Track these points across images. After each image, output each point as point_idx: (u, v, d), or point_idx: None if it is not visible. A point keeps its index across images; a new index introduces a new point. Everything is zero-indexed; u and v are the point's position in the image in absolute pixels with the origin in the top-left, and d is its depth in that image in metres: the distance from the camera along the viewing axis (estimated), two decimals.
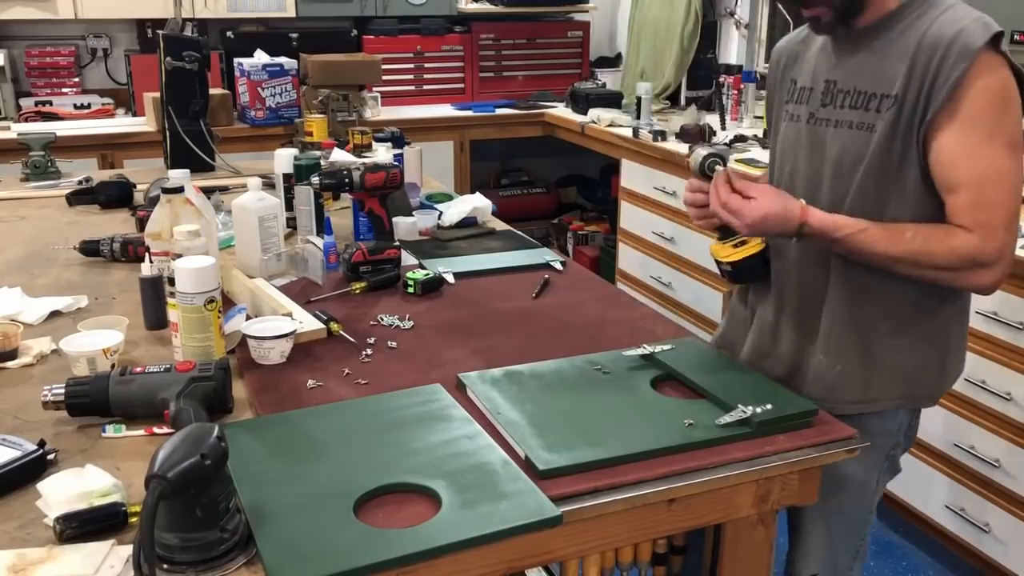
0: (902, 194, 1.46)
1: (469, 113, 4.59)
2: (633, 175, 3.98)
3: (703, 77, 4.52)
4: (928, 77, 1.40)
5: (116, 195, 2.61)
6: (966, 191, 1.40)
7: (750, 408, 1.33)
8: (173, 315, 1.51)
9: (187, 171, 1.87)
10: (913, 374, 1.56)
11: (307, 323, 1.67)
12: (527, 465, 1.23)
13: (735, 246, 1.63)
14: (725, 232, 1.63)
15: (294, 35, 4.48)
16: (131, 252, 2.08)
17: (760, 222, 1.44)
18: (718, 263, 1.66)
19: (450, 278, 1.99)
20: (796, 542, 1.64)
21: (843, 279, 1.54)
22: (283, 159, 2.33)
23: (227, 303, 1.73)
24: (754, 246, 1.62)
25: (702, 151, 1.58)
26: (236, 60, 4.14)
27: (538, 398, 1.42)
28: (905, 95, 1.42)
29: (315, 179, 1.91)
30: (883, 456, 1.63)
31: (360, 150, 2.58)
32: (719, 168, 1.53)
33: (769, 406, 1.33)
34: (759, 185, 1.47)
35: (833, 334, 1.56)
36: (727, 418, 1.33)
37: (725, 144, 3.57)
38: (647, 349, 1.55)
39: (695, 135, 3.61)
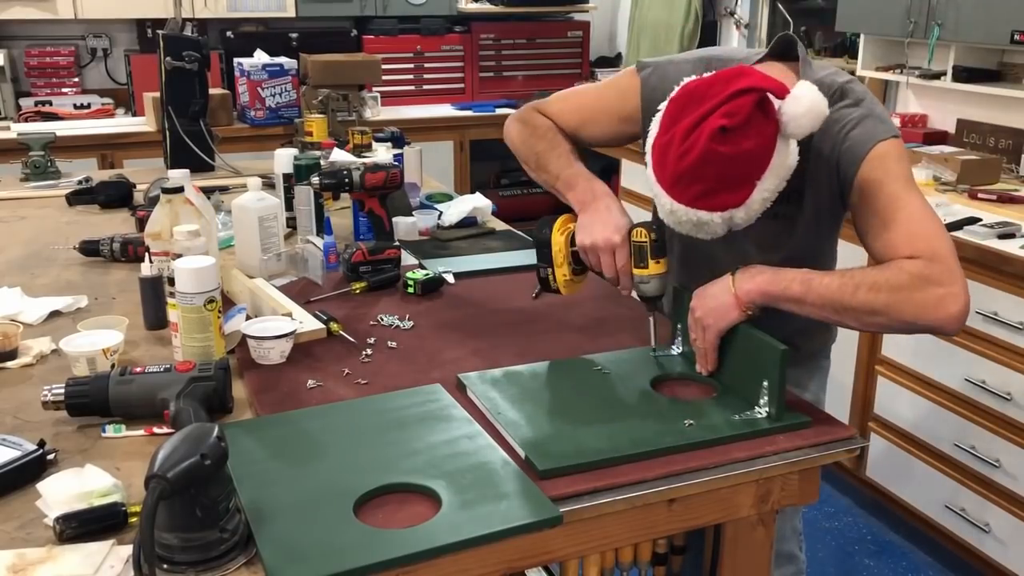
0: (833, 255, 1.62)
1: (469, 113, 4.59)
2: (633, 175, 3.98)
3: None
4: (833, 175, 1.47)
5: (116, 195, 2.61)
6: (897, 227, 1.39)
7: (765, 410, 1.34)
8: (173, 315, 1.51)
9: (187, 171, 1.87)
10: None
11: (307, 323, 1.67)
12: (527, 465, 1.23)
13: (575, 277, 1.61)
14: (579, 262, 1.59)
15: (294, 35, 4.48)
16: (131, 252, 2.08)
17: (723, 333, 1.43)
18: (552, 280, 1.62)
19: (450, 278, 1.99)
20: None
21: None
22: (283, 159, 2.33)
23: (227, 303, 1.73)
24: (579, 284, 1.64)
25: (661, 285, 1.52)
26: (236, 60, 4.14)
27: (538, 398, 1.42)
28: (816, 183, 1.49)
29: (315, 179, 1.91)
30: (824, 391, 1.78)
31: (360, 150, 2.57)
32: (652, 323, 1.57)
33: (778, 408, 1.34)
34: (692, 308, 1.46)
35: None
36: (743, 416, 1.34)
37: None
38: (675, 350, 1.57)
39: None
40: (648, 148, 1.41)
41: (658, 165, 1.37)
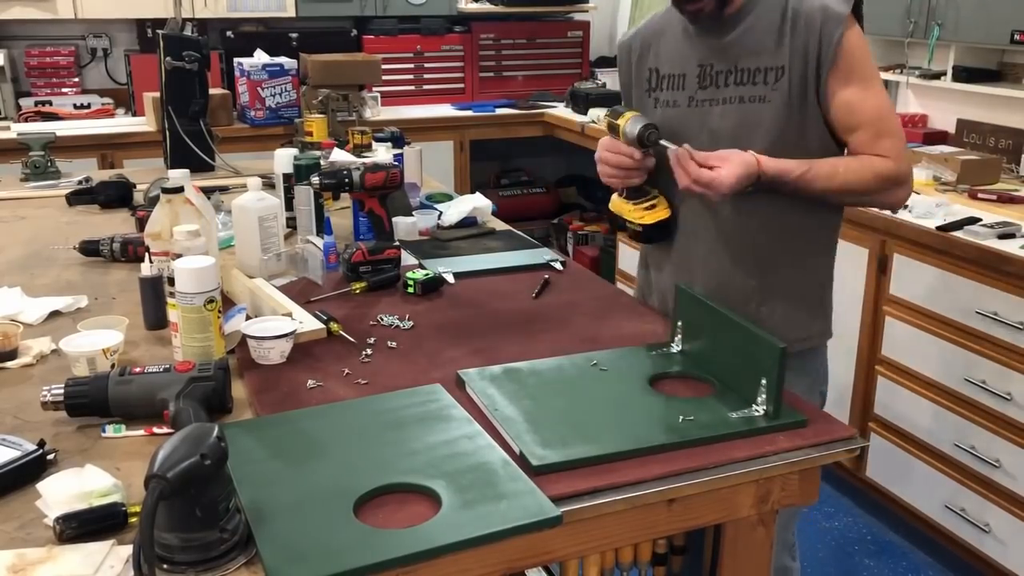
0: (806, 151, 1.64)
1: (469, 113, 4.59)
2: None
3: None
4: (812, 46, 1.60)
5: (116, 195, 2.61)
6: (867, 128, 1.63)
7: (763, 408, 1.34)
8: (173, 315, 1.51)
9: (187, 171, 1.87)
10: (824, 309, 1.80)
11: (307, 323, 1.67)
12: (521, 461, 1.23)
13: (645, 208, 1.77)
14: (633, 193, 1.77)
15: (294, 35, 4.48)
16: (131, 252, 2.08)
17: (734, 187, 1.57)
18: (627, 222, 1.80)
19: (450, 278, 1.99)
20: None
21: (767, 240, 1.71)
22: (283, 159, 2.33)
23: (227, 303, 1.73)
24: (662, 211, 1.77)
25: (637, 121, 1.67)
26: (236, 60, 4.14)
27: (536, 395, 1.42)
28: (791, 65, 1.61)
29: (315, 179, 1.91)
30: (818, 394, 1.81)
31: (360, 150, 2.57)
32: (665, 143, 1.64)
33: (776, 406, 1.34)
34: (716, 153, 1.60)
35: (771, 284, 1.73)
36: (739, 414, 1.34)
37: None
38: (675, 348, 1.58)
39: None
40: None
41: None
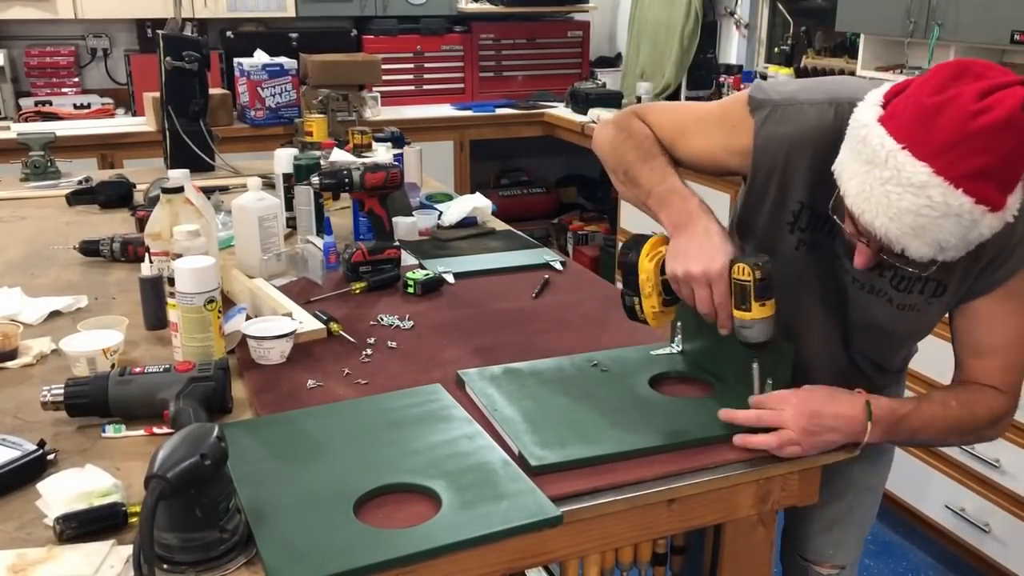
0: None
1: (469, 113, 4.59)
2: None
3: (703, 77, 4.52)
4: (981, 267, 1.31)
5: (116, 195, 2.61)
6: (999, 355, 1.36)
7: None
8: (173, 315, 1.51)
9: (187, 171, 1.87)
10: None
11: (307, 323, 1.67)
12: (520, 461, 1.23)
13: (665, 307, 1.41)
14: (669, 291, 1.38)
15: (294, 35, 4.48)
16: (131, 252, 2.08)
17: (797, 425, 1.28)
18: (639, 310, 1.41)
19: (450, 278, 1.99)
20: (833, 530, 1.63)
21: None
22: (283, 159, 2.33)
23: (227, 303, 1.73)
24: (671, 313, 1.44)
25: (767, 330, 1.30)
26: (236, 60, 4.14)
27: (536, 395, 1.42)
28: (949, 280, 1.33)
29: (315, 179, 1.91)
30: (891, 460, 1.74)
31: (360, 150, 2.57)
32: (755, 374, 1.36)
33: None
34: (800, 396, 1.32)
35: None
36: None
37: None
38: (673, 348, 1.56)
39: None
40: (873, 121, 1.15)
41: (917, 127, 1.10)
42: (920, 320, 1.40)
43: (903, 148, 1.10)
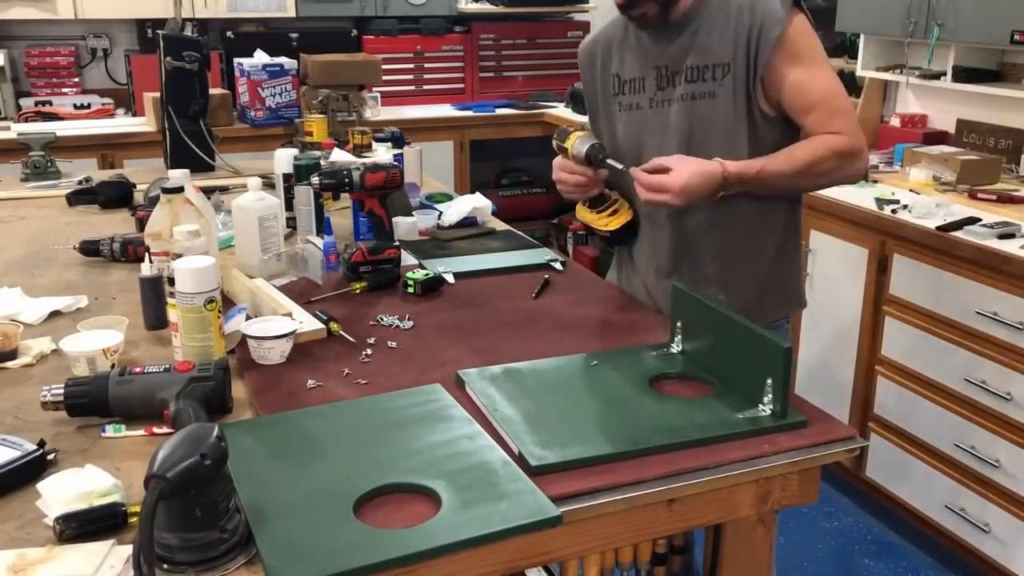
0: (761, 143, 1.72)
1: (469, 113, 4.59)
2: None
3: None
4: (753, 35, 1.67)
5: (116, 195, 2.61)
6: (820, 108, 1.69)
7: (769, 407, 1.34)
8: (173, 315, 1.51)
9: (187, 171, 1.87)
10: (790, 287, 1.90)
11: (307, 323, 1.67)
12: (520, 461, 1.23)
13: (609, 215, 1.89)
14: (595, 202, 1.89)
15: (294, 35, 4.48)
16: (131, 252, 2.08)
17: (685, 187, 1.63)
18: (595, 230, 1.93)
19: (450, 278, 1.99)
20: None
21: (722, 228, 1.79)
22: (283, 159, 2.33)
23: (227, 303, 1.73)
24: (624, 215, 1.89)
25: (584, 142, 1.78)
26: (236, 60, 4.14)
27: (536, 395, 1.42)
28: (735, 57, 1.69)
29: (315, 179, 1.91)
30: None
31: (360, 150, 2.58)
32: (612, 162, 1.75)
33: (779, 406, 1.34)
34: (668, 158, 1.67)
35: (725, 274, 1.83)
36: (746, 414, 1.34)
37: None
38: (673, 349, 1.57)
39: None
40: None
41: None
42: (719, 105, 1.72)
43: None
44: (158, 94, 3.05)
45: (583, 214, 1.92)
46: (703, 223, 1.80)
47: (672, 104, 1.77)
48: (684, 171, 1.64)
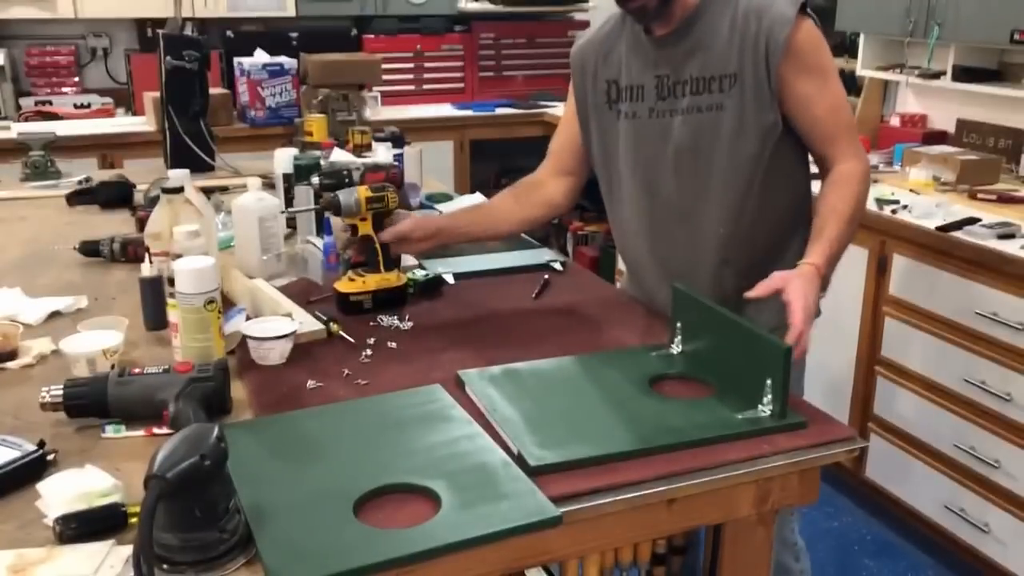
0: (760, 151, 1.66)
1: (469, 113, 4.59)
2: None
3: None
4: (760, 47, 1.60)
5: (116, 195, 2.61)
6: (827, 126, 1.66)
7: (769, 408, 1.34)
8: (173, 315, 1.51)
9: (187, 171, 1.87)
10: None
11: (307, 323, 1.67)
12: (520, 461, 1.23)
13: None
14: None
15: (294, 35, 4.48)
16: (131, 252, 2.08)
17: (810, 300, 1.48)
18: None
19: (450, 278, 1.99)
20: None
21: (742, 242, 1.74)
22: (283, 159, 2.33)
23: (227, 303, 1.73)
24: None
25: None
26: (236, 60, 4.14)
27: (536, 396, 1.42)
28: (742, 69, 1.62)
29: (315, 179, 1.90)
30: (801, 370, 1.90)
31: (360, 150, 2.57)
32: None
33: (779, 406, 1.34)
34: (771, 280, 1.51)
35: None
36: (746, 414, 1.34)
37: None
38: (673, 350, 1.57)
39: None
40: None
41: None
42: (725, 118, 1.65)
43: None
44: (158, 94, 3.05)
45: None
46: (724, 237, 1.74)
47: (675, 116, 1.70)
48: (797, 289, 1.47)
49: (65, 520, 1.08)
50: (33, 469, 1.20)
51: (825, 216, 1.62)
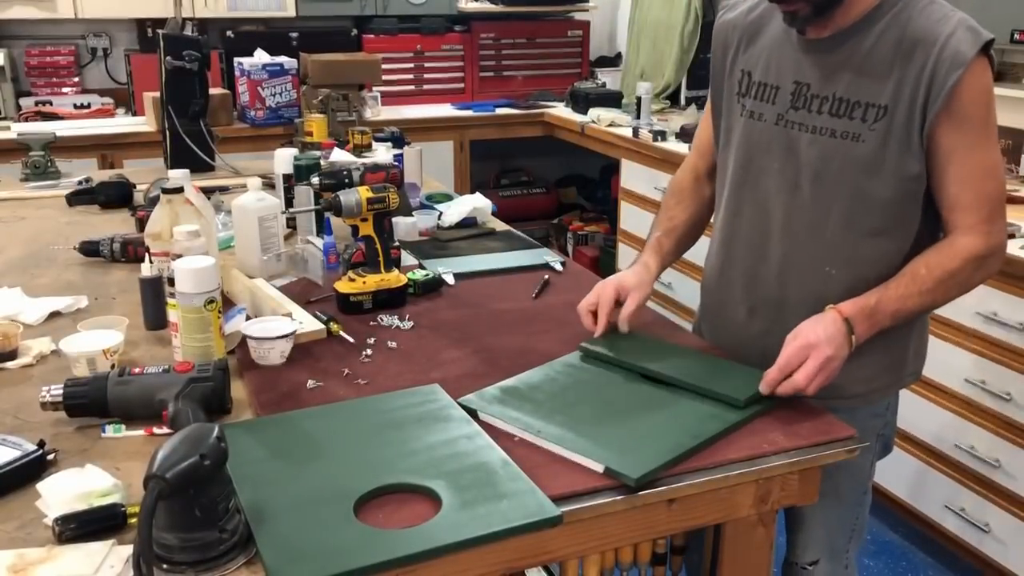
0: (891, 196, 1.46)
1: (469, 113, 4.59)
2: (633, 175, 3.98)
3: (703, 77, 4.51)
4: (922, 86, 1.39)
5: (116, 195, 2.61)
6: (968, 187, 1.44)
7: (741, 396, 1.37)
8: (173, 315, 1.51)
9: (187, 171, 1.87)
10: (897, 360, 1.61)
11: (307, 323, 1.67)
12: (613, 478, 1.20)
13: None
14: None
15: (294, 35, 4.48)
16: (131, 252, 2.08)
17: (816, 335, 1.39)
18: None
19: (450, 278, 1.99)
20: (795, 529, 1.66)
21: (824, 290, 1.52)
22: (283, 159, 2.33)
23: (227, 303, 1.73)
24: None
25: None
26: (236, 60, 4.14)
27: (560, 407, 1.38)
28: (895, 105, 1.41)
29: (315, 179, 1.91)
30: (875, 437, 1.66)
31: (360, 150, 2.57)
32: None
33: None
34: (790, 350, 1.40)
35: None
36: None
37: None
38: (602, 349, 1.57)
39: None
40: None
41: None
42: (862, 152, 1.44)
43: None
44: (158, 94, 3.05)
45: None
46: (831, 279, 1.53)
47: (804, 131, 1.49)
48: (809, 331, 1.39)
49: (65, 520, 1.08)
50: (33, 469, 1.21)
51: (900, 274, 1.45)
